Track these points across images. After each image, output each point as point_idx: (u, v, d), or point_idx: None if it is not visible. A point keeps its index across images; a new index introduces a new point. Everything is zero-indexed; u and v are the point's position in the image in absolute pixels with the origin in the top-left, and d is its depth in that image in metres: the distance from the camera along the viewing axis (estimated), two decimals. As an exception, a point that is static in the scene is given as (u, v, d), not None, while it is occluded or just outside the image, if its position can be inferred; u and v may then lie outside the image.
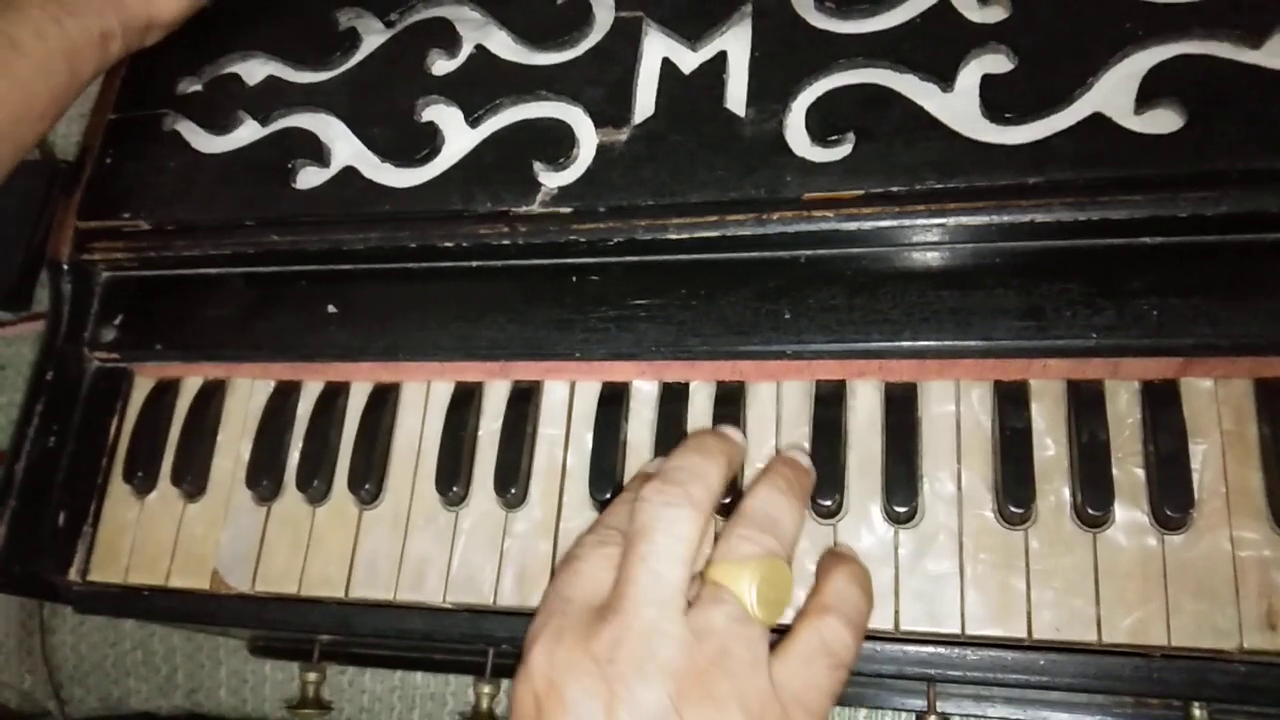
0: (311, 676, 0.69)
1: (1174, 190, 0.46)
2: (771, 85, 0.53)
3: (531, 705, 0.40)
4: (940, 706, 0.55)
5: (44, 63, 0.57)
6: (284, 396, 0.60)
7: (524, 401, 0.56)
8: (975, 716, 0.63)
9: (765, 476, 0.47)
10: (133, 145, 0.64)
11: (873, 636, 0.48)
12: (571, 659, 0.40)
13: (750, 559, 0.42)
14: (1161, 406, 0.47)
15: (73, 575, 0.60)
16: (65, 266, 0.63)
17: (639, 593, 0.41)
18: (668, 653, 0.39)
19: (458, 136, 0.57)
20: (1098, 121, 0.48)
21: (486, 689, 0.67)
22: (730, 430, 0.49)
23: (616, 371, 0.55)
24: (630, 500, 0.46)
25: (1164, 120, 0.47)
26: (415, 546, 0.55)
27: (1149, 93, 0.47)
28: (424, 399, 0.58)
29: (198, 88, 0.64)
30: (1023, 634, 0.46)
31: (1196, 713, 0.50)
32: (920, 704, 0.63)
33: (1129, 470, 0.47)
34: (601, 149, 0.54)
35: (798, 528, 0.46)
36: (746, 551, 0.43)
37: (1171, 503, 0.45)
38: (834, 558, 0.47)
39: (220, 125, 0.62)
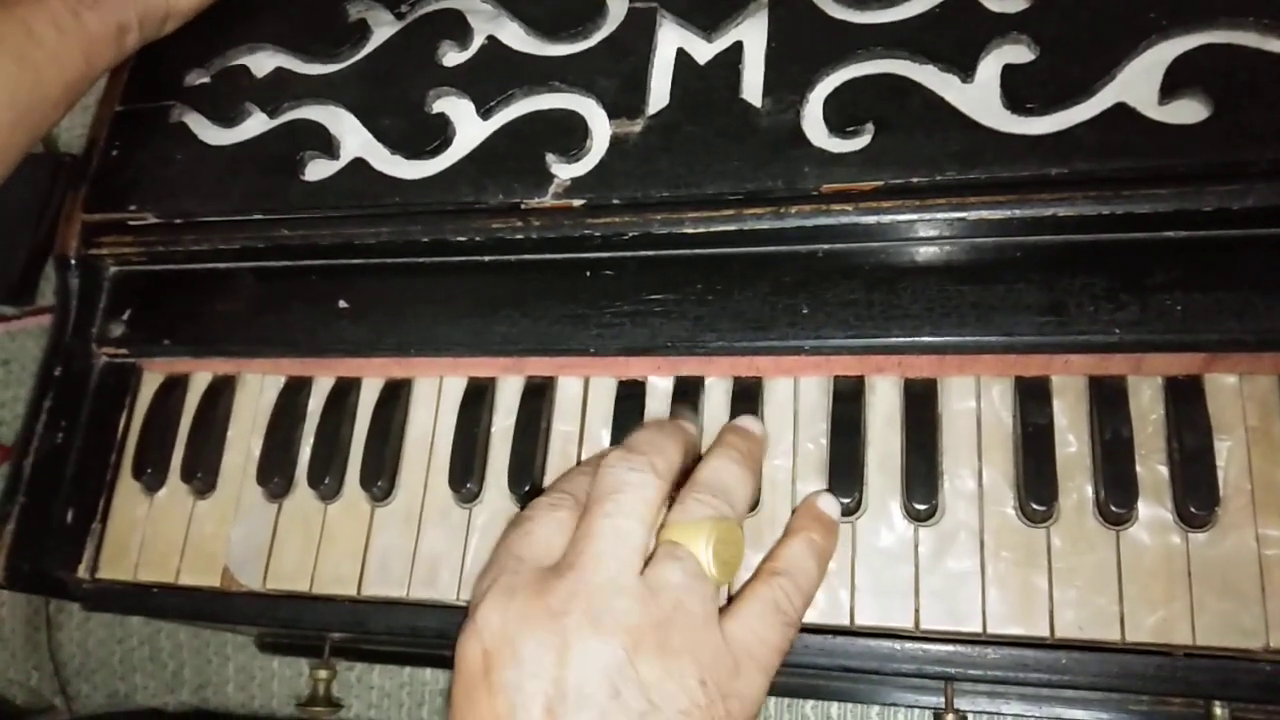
0: (322, 674, 0.69)
1: (1199, 183, 0.45)
2: (788, 76, 0.52)
3: (479, 660, 0.40)
4: (956, 704, 0.55)
5: (59, 53, 0.57)
6: (294, 392, 0.60)
7: (538, 397, 0.55)
8: (991, 714, 0.62)
9: (717, 447, 0.48)
10: (140, 137, 0.63)
11: (893, 635, 0.48)
12: (525, 613, 0.40)
13: (705, 520, 0.43)
14: (1185, 402, 0.47)
15: (81, 572, 0.60)
16: (73, 261, 0.62)
17: (599, 547, 0.41)
18: (624, 606, 0.39)
19: (469, 128, 0.56)
20: (1121, 112, 0.47)
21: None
22: (686, 424, 0.50)
23: (631, 367, 0.54)
24: (587, 471, 0.46)
25: (1189, 111, 0.46)
26: (428, 543, 0.54)
27: (1173, 83, 0.47)
28: (436, 395, 0.58)
29: (205, 80, 0.63)
30: (1045, 633, 0.45)
31: (1218, 711, 0.50)
32: (937, 701, 0.63)
33: (1152, 467, 0.47)
34: (615, 140, 0.54)
35: (750, 494, 0.47)
36: (701, 513, 0.44)
37: (1196, 500, 0.45)
38: (800, 520, 0.48)
39: (228, 117, 0.61)
